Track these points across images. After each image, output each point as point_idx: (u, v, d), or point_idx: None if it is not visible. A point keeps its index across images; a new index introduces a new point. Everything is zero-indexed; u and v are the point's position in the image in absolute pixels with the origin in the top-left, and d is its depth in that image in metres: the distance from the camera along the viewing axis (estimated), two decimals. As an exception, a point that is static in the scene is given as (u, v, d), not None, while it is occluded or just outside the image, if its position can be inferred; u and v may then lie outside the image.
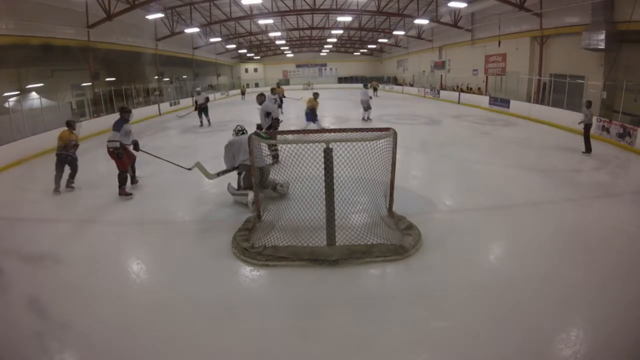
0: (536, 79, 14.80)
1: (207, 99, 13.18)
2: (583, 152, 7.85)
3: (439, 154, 8.32)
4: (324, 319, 2.85)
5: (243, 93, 28.36)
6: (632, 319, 2.73)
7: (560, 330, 2.64)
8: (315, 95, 10.27)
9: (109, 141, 5.60)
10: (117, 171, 5.64)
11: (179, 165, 5.95)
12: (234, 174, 5.43)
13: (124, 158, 5.66)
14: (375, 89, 25.78)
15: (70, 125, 6.30)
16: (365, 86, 13.60)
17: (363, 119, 12.63)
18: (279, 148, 6.22)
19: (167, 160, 6.13)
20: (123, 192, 5.66)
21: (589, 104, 7.97)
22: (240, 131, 5.50)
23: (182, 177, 5.80)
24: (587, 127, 7.84)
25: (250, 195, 4.77)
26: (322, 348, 2.54)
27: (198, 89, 15.10)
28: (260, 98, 7.24)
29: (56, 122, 11.03)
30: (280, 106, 15.49)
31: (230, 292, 3.23)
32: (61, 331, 2.75)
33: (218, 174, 5.38)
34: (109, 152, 5.62)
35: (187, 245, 4.09)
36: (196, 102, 13.23)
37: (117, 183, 5.63)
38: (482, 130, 11.40)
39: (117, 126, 5.63)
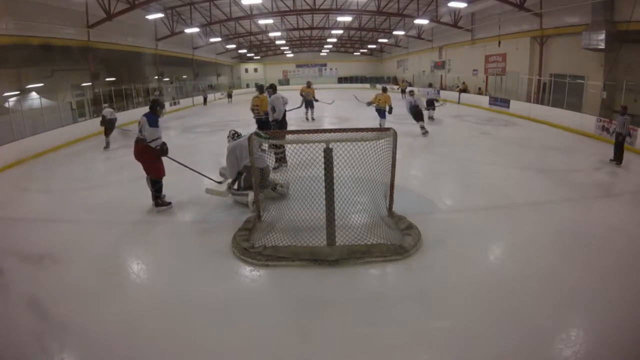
0: (536, 79, 14.78)
1: (112, 114, 9.97)
2: (616, 164, 6.99)
3: (439, 154, 8.32)
4: (324, 319, 2.84)
5: (230, 96, 26.06)
6: (632, 319, 2.73)
7: (560, 330, 2.64)
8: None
9: (149, 141, 4.78)
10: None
11: (206, 176, 5.61)
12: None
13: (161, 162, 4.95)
14: (403, 91, 22.42)
15: (262, 90, 7.71)
16: (431, 85, 14.00)
17: (430, 117, 12.43)
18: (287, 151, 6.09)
19: (199, 173, 5.67)
20: (163, 202, 5.04)
21: (624, 110, 7.01)
22: (235, 134, 5.49)
23: (181, 177, 5.79)
24: (623, 136, 6.95)
25: (251, 195, 4.77)
26: (322, 348, 2.54)
27: (105, 105, 11.85)
28: (269, 90, 6.94)
29: (56, 122, 11.08)
30: (310, 108, 13.51)
31: (230, 292, 3.23)
32: (61, 331, 2.75)
33: (229, 188, 5.20)
34: (145, 152, 4.82)
35: (187, 245, 4.09)
36: (103, 116, 9.80)
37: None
38: (482, 130, 11.39)
39: (153, 122, 4.79)
